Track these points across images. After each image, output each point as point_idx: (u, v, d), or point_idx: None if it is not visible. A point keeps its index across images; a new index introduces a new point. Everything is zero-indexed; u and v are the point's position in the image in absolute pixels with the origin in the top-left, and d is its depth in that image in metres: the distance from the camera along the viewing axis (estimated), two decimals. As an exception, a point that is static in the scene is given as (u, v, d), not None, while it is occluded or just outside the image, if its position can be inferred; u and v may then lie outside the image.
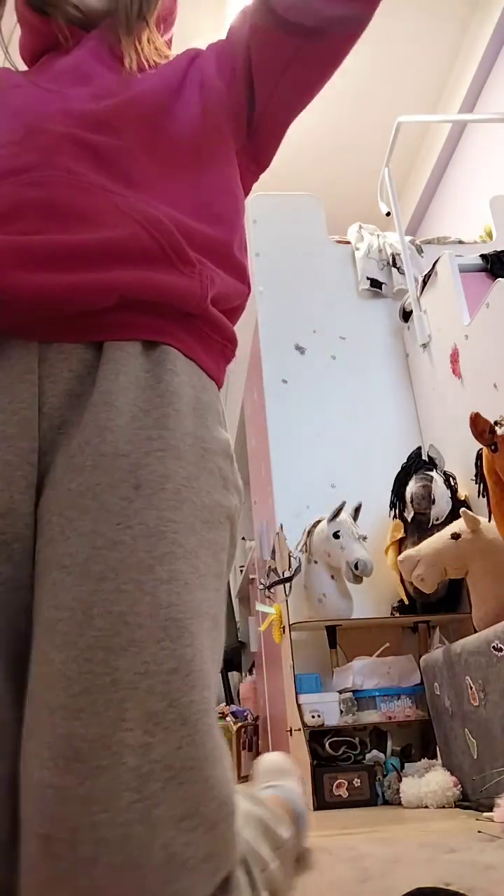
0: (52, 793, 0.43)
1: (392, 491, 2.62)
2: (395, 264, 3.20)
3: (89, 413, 0.57)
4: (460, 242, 3.33)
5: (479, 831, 1.32)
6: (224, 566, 0.59)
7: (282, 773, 1.01)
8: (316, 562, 2.47)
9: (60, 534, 0.52)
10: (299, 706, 2.21)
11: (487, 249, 2.88)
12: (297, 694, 2.24)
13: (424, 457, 2.61)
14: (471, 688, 1.77)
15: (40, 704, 0.46)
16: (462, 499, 2.48)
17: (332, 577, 2.45)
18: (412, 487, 2.47)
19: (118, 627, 0.46)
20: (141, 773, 0.44)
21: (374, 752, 2.18)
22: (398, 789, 1.99)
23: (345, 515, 2.45)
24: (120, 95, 0.73)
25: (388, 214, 3.12)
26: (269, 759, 1.08)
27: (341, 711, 2.20)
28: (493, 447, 1.85)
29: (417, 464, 2.58)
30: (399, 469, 2.63)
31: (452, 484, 2.51)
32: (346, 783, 2.08)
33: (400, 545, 2.50)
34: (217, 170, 0.75)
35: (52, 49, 0.83)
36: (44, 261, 0.60)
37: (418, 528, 2.45)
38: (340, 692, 2.25)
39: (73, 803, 0.43)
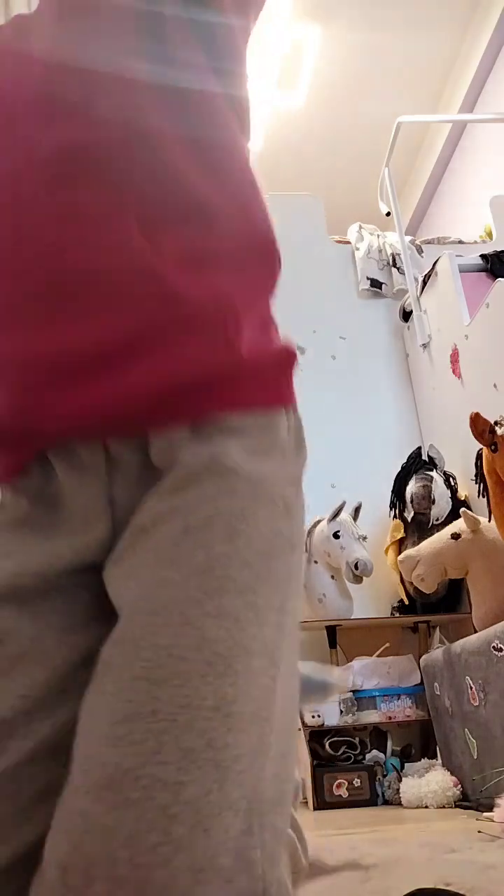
0: (80, 820, 0.42)
1: (392, 491, 2.62)
2: (395, 264, 3.20)
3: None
4: (460, 242, 3.33)
5: (480, 831, 1.32)
6: (289, 598, 0.56)
7: None
8: (316, 562, 2.47)
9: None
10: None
11: (487, 249, 2.88)
12: (297, 694, 2.24)
13: (424, 457, 2.61)
14: (471, 688, 1.77)
15: (85, 733, 0.46)
16: (462, 499, 2.48)
17: (332, 577, 2.45)
18: (412, 487, 2.47)
19: (163, 660, 0.46)
20: (169, 814, 0.41)
21: (374, 752, 2.18)
22: (398, 789, 1.99)
23: (345, 515, 2.45)
24: None
25: (388, 214, 3.12)
26: None
27: (341, 711, 2.20)
28: (493, 447, 1.85)
29: (417, 464, 2.58)
30: (399, 469, 2.63)
31: (452, 484, 2.51)
32: (346, 783, 2.08)
33: (400, 545, 2.50)
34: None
35: None
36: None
37: (418, 528, 2.45)
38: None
39: (96, 833, 0.41)
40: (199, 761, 0.43)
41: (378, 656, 2.38)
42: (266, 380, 0.63)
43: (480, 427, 1.84)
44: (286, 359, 0.66)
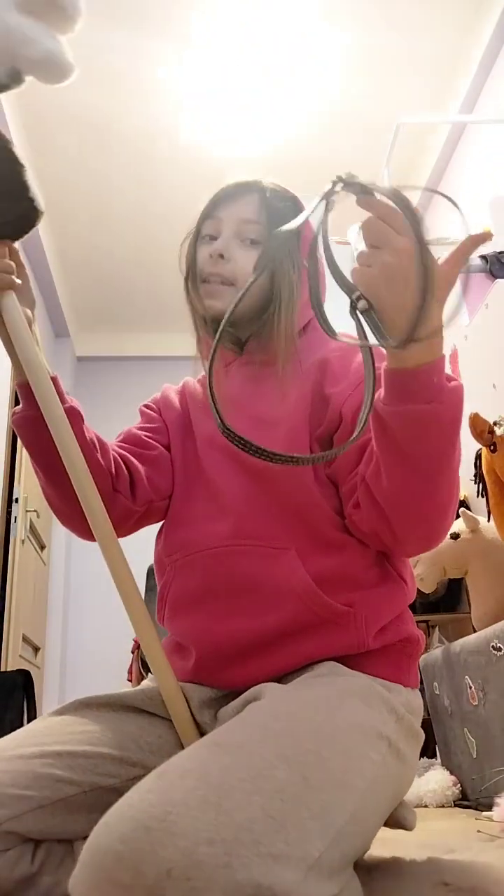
0: None
1: (392, 491, 2.62)
2: (394, 264, 3.20)
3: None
4: (460, 242, 3.32)
5: (479, 831, 1.33)
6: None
7: None
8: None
9: None
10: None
11: (487, 250, 2.88)
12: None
13: (424, 457, 2.60)
14: (470, 687, 1.77)
15: None
16: (461, 499, 2.48)
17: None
18: (412, 487, 2.46)
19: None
20: None
21: (374, 751, 2.18)
22: (397, 789, 1.99)
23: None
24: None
25: (387, 214, 3.12)
26: None
27: (341, 711, 2.20)
28: (492, 447, 1.85)
29: (417, 464, 2.58)
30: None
31: (452, 484, 2.50)
32: (346, 783, 2.08)
33: (399, 545, 2.50)
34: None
35: None
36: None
37: (418, 528, 2.45)
38: (340, 692, 2.25)
39: None
40: None
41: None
42: (388, 658, 0.83)
43: (479, 427, 1.84)
44: (410, 645, 0.87)
